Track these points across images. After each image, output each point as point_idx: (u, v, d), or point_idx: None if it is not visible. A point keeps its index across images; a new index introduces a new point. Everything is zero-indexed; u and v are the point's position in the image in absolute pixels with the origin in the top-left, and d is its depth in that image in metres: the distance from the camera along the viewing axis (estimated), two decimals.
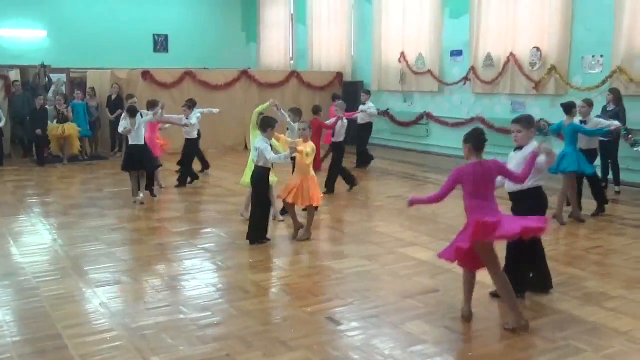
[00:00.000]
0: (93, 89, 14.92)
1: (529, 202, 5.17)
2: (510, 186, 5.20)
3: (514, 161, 5.21)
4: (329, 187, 9.85)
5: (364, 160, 12.77)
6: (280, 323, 4.88)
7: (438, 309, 5.09)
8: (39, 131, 13.02)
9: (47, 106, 13.71)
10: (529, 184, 5.08)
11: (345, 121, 10.29)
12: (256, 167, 7.06)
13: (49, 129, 13.19)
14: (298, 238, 7.16)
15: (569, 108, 7.97)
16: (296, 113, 8.79)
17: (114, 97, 14.25)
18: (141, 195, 9.15)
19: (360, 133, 12.81)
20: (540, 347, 4.39)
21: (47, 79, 16.35)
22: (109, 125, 14.34)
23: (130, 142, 9.19)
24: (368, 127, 12.85)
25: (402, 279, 5.87)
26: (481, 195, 4.66)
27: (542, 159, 5.00)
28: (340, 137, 10.23)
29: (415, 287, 5.60)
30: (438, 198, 4.78)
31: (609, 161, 10.04)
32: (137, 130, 9.01)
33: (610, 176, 10.10)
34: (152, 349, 4.37)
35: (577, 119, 8.08)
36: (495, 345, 4.46)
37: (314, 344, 4.45)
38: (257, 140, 7.04)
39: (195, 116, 10.71)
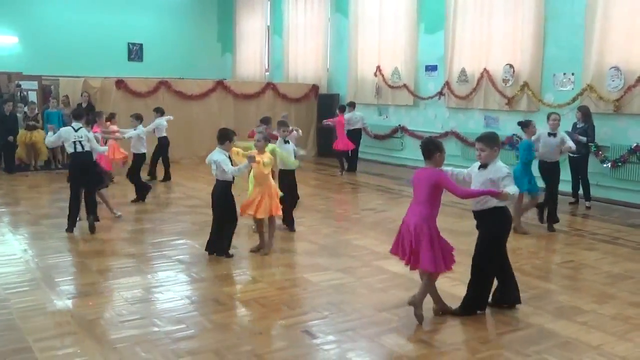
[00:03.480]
0: (67, 96, 14.74)
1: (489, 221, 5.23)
2: (475, 204, 5.26)
3: (479, 179, 5.19)
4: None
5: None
6: (255, 336, 4.84)
7: (413, 322, 5.09)
8: (10, 138, 12.86)
9: (17, 113, 13.52)
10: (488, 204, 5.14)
11: None
12: (217, 181, 6.90)
13: (18, 135, 13.07)
14: (262, 252, 7.07)
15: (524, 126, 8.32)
16: (266, 122, 8.99)
17: (84, 105, 14.07)
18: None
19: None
20: None
21: (16, 86, 16.07)
22: None
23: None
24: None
25: (377, 292, 5.88)
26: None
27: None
28: None
29: (391, 300, 5.60)
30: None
31: (579, 177, 10.23)
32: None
33: (581, 191, 10.29)
34: None
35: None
36: (469, 358, 4.48)
37: (290, 357, 4.43)
38: (214, 153, 6.84)
39: (140, 130, 10.26)
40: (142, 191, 10.19)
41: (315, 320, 5.13)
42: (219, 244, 6.97)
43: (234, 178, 7.00)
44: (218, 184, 6.90)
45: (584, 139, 9.92)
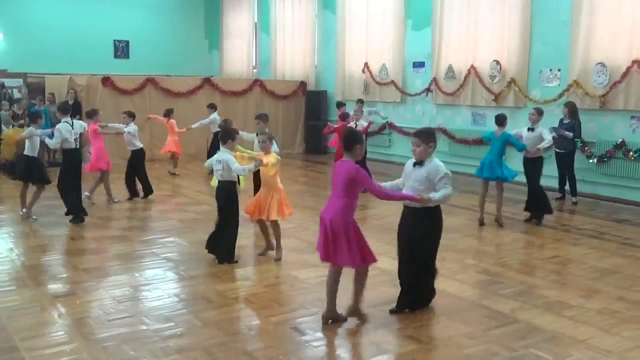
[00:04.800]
0: (53, 94, 14.63)
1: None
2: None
3: (413, 176, 5.04)
4: None
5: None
6: (244, 333, 4.84)
7: (401, 318, 5.12)
8: None
9: (3, 111, 13.41)
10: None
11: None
12: (222, 182, 6.63)
13: (3, 133, 12.94)
14: (275, 258, 6.82)
15: (502, 120, 8.40)
16: (263, 118, 8.50)
17: (70, 102, 13.98)
18: (24, 210, 8.64)
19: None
20: (501, 355, 4.45)
21: (1, 86, 15.93)
22: None
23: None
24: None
25: (365, 288, 5.87)
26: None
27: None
28: None
29: (379, 296, 5.61)
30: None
31: (565, 172, 10.30)
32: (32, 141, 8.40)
33: (567, 187, 10.36)
34: None
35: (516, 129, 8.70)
36: (457, 354, 4.51)
37: (279, 354, 4.43)
38: (219, 153, 6.63)
39: (132, 127, 10.13)
40: (145, 188, 10.20)
41: (304, 317, 5.13)
42: (218, 245, 6.72)
43: (239, 179, 6.80)
44: (222, 185, 6.63)
45: (570, 134, 10.00)
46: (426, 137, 4.99)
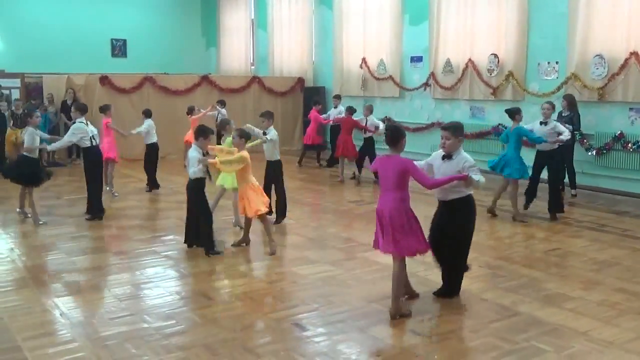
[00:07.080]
0: (51, 94, 14.62)
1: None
2: (448, 194, 5.22)
3: (444, 170, 5.19)
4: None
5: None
6: (245, 330, 4.85)
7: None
8: None
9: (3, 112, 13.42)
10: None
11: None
12: (189, 179, 6.89)
13: (6, 134, 12.95)
14: (269, 252, 6.83)
15: (513, 114, 8.34)
16: (267, 116, 8.21)
17: (69, 102, 13.99)
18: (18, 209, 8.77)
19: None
20: (503, 348, 4.46)
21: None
22: (65, 131, 14.03)
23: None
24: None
25: (366, 283, 5.90)
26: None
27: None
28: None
29: (380, 291, 5.61)
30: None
31: (565, 165, 10.29)
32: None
33: (567, 179, 10.36)
34: None
35: (528, 124, 8.64)
36: (459, 347, 4.52)
37: (281, 350, 4.44)
38: (190, 149, 6.82)
39: (146, 125, 10.65)
40: (154, 182, 10.77)
41: (305, 313, 5.15)
42: (195, 235, 6.98)
43: (209, 175, 7.08)
44: (189, 180, 6.90)
45: (569, 127, 9.97)
46: (456, 130, 5.20)
